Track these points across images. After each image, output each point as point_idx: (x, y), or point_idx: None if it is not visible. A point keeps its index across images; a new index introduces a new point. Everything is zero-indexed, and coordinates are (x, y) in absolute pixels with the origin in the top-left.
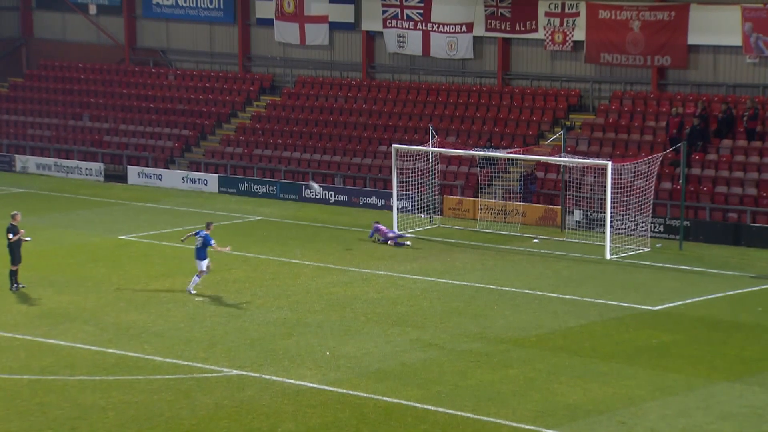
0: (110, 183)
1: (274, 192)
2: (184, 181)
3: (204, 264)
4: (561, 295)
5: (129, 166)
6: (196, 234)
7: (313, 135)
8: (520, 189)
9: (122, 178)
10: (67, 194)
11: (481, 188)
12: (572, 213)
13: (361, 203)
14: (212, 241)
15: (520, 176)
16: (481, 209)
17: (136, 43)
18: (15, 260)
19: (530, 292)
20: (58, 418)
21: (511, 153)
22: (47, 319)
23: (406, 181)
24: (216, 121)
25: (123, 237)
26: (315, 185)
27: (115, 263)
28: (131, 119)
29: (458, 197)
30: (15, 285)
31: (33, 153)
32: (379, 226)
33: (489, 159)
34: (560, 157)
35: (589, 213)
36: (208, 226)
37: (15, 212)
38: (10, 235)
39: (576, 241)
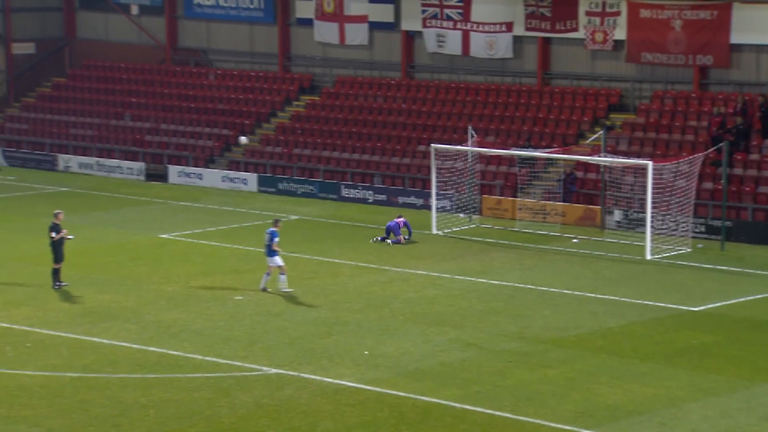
0: (151, 182)
1: (313, 191)
2: (223, 181)
3: (275, 260)
4: (600, 296)
5: (169, 165)
6: (267, 232)
7: (352, 135)
8: (560, 189)
9: (163, 177)
10: (108, 193)
11: (520, 188)
12: (612, 213)
13: (400, 203)
14: (276, 239)
15: (560, 176)
16: (520, 209)
17: (177, 44)
18: (58, 258)
19: (569, 292)
20: (100, 416)
21: (550, 153)
22: (89, 317)
23: (445, 181)
24: (256, 121)
25: (163, 236)
26: (243, 139)
27: (156, 262)
28: (172, 119)
29: (497, 197)
30: (57, 283)
31: (75, 152)
32: (399, 223)
33: (528, 159)
34: (600, 157)
35: (629, 213)
36: (275, 222)
37: (58, 211)
38: (53, 234)
39: (616, 241)
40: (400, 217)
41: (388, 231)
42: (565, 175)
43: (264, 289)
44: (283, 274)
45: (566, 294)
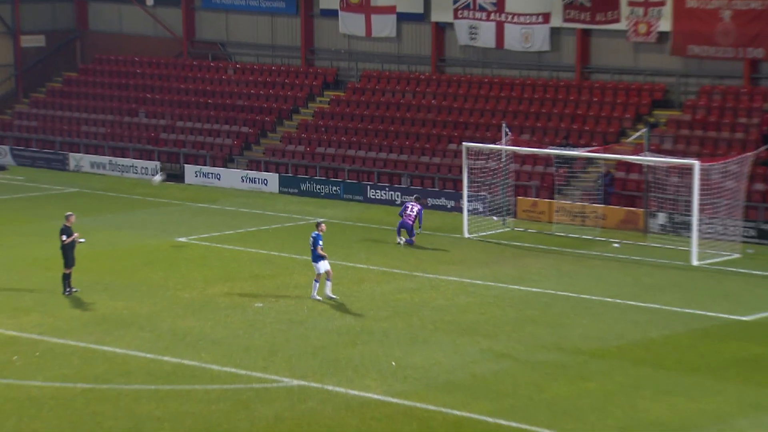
0: (166, 182)
1: (338, 192)
2: (243, 181)
3: (318, 266)
4: (643, 304)
5: (186, 165)
6: (311, 236)
7: (378, 132)
8: (599, 190)
9: (179, 177)
10: (121, 194)
11: (558, 189)
12: (656, 216)
13: (429, 205)
14: (320, 242)
15: (597, 177)
16: (557, 211)
17: (195, 36)
18: (68, 263)
19: (610, 300)
20: (113, 429)
21: (590, 152)
22: (101, 325)
23: (478, 182)
24: (277, 118)
25: (179, 239)
26: (157, 178)
27: (172, 267)
28: (188, 116)
29: (533, 198)
30: (68, 289)
31: (87, 151)
32: (411, 217)
33: (566, 158)
34: (643, 156)
35: (674, 216)
36: (318, 225)
37: (69, 213)
38: (64, 237)
39: (660, 245)
40: (413, 203)
41: (401, 228)
42: (602, 175)
43: (314, 298)
44: (329, 280)
45: (606, 302)
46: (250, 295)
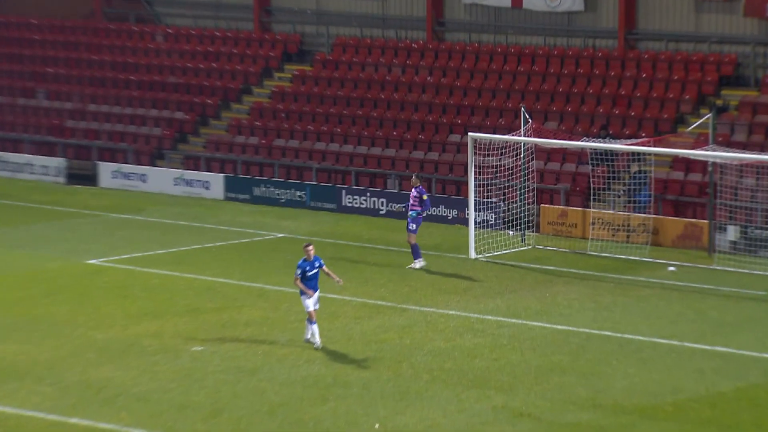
0: (75, 186)
1: (303, 199)
2: (177, 184)
3: (307, 301)
4: (708, 346)
5: (100, 163)
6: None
7: (357, 119)
8: (636, 195)
9: (91, 178)
10: (14, 201)
11: (594, 194)
12: (725, 230)
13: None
14: (297, 272)
15: (633, 177)
16: (593, 224)
17: None
18: None
19: (664, 341)
20: None
21: (636, 144)
22: None
23: (488, 185)
24: (222, 100)
25: (92, 261)
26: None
27: (82, 298)
28: (103, 97)
29: (561, 207)
30: None
31: None
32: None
33: (605, 153)
34: (708, 150)
35: (748, 230)
36: (306, 248)
37: None
38: None
39: (730, 269)
40: (416, 188)
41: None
42: (634, 174)
43: (313, 343)
44: (309, 322)
45: (659, 344)
46: (187, 336)
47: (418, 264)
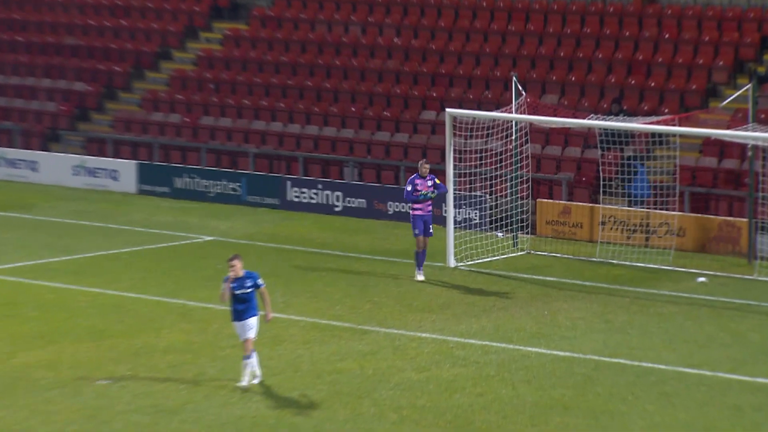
0: None
1: (238, 192)
2: (76, 173)
3: (243, 327)
4: (748, 377)
5: None
6: (225, 281)
7: (305, 92)
8: (629, 187)
9: None
10: None
11: (604, 186)
12: None
13: (390, 212)
14: (223, 286)
15: (625, 164)
16: (603, 223)
17: None
18: None
19: (692, 371)
20: None
21: (657, 123)
22: None
23: (471, 174)
24: (134, 68)
25: None
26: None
27: None
28: None
29: (563, 202)
30: None
31: None
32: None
33: (619, 134)
34: (748, 130)
35: None
36: (231, 260)
37: None
38: None
39: None
40: (430, 177)
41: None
42: (631, 159)
43: (242, 388)
44: (248, 355)
45: (686, 374)
46: (90, 367)
47: (417, 277)
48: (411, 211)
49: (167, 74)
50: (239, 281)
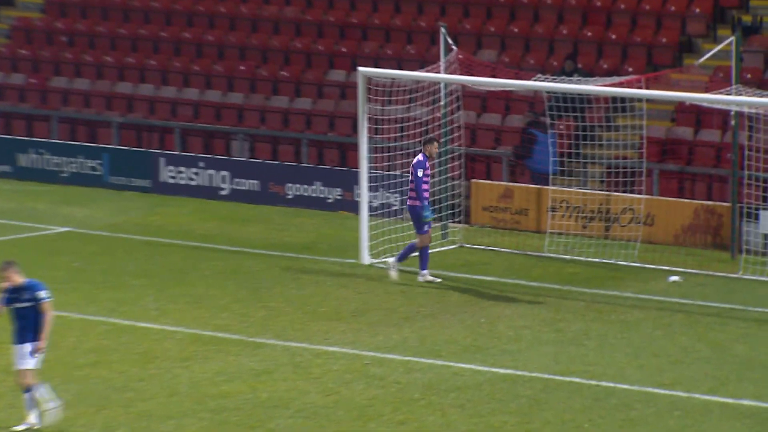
0: None
1: (99, 172)
2: None
3: (18, 352)
4: (731, 399)
5: None
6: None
7: (182, 46)
8: (528, 160)
9: None
10: None
11: (554, 164)
12: (755, 218)
13: (290, 196)
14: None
15: (525, 132)
16: (553, 209)
17: None
18: None
19: (663, 392)
20: None
21: (619, 85)
22: None
23: (390, 149)
24: None
25: None
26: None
27: None
28: None
29: (504, 183)
30: None
31: None
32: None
33: (573, 99)
34: (731, 93)
35: None
36: (3, 268)
37: None
38: None
39: (766, 279)
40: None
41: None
42: (524, 128)
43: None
44: (28, 391)
45: (656, 395)
46: None
47: (427, 277)
48: (413, 201)
49: (7, 24)
50: (13, 293)
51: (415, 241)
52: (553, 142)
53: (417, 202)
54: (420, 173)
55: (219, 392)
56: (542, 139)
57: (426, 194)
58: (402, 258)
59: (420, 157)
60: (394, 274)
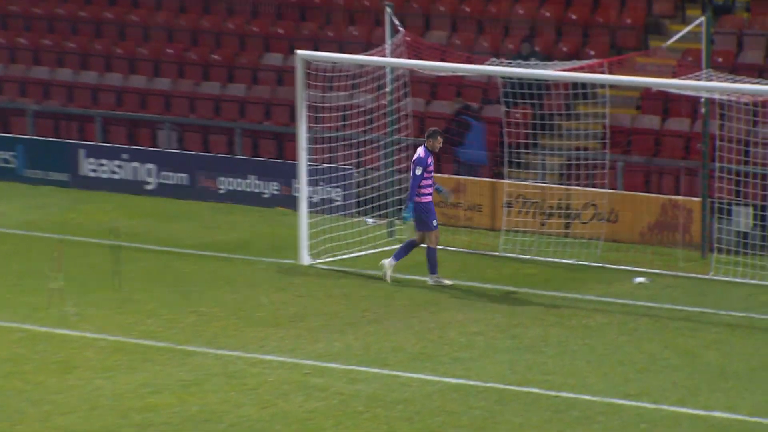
0: None
1: (10, 165)
2: None
3: None
4: (702, 411)
5: None
6: None
7: (102, 26)
8: (458, 151)
9: None
10: None
11: (510, 154)
12: (728, 216)
13: (222, 191)
14: None
15: (456, 118)
16: (509, 205)
17: None
18: None
19: (629, 402)
20: None
21: (579, 70)
22: None
23: (332, 140)
24: None
25: None
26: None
27: None
28: None
29: (455, 177)
30: None
31: None
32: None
33: (529, 85)
34: (700, 79)
35: None
36: None
37: None
38: None
39: (738, 280)
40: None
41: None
42: (453, 115)
43: None
44: None
45: (621, 407)
46: None
47: (442, 281)
48: (418, 198)
49: None
50: None
51: (414, 238)
52: (483, 130)
53: (421, 199)
54: (419, 171)
55: (145, 405)
56: (475, 126)
57: (427, 192)
58: (399, 257)
59: (421, 152)
60: (389, 274)
